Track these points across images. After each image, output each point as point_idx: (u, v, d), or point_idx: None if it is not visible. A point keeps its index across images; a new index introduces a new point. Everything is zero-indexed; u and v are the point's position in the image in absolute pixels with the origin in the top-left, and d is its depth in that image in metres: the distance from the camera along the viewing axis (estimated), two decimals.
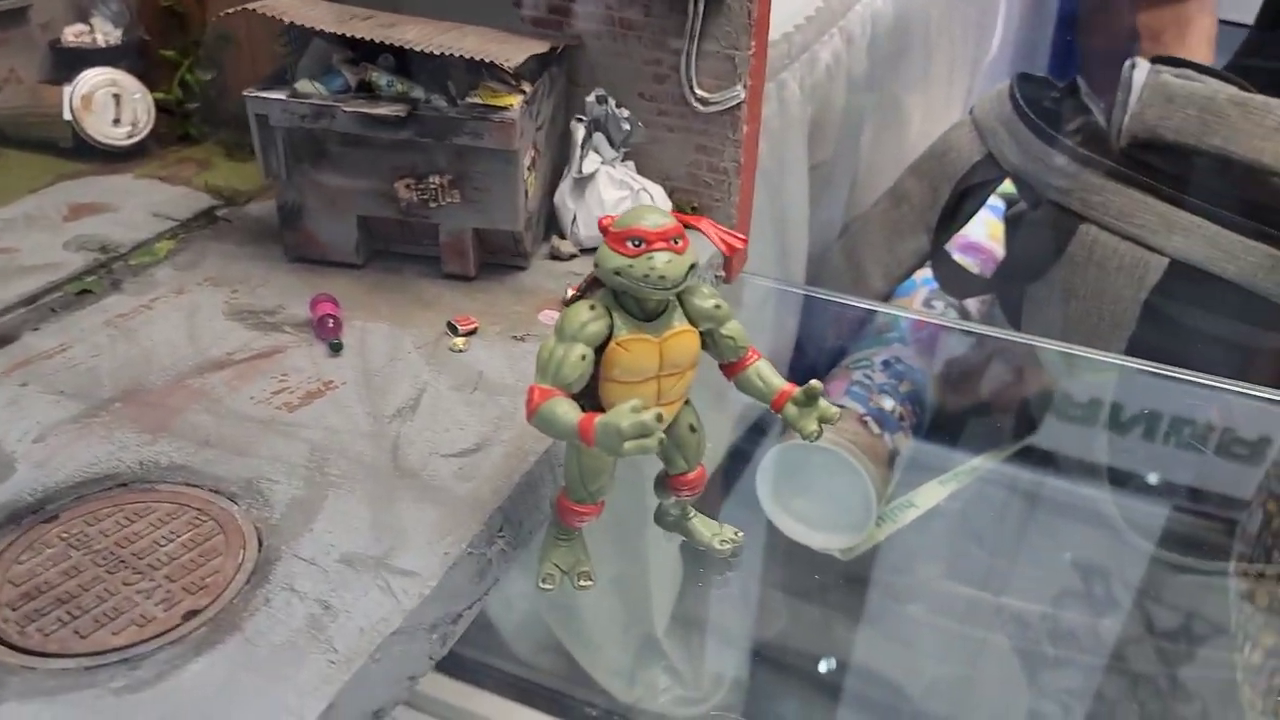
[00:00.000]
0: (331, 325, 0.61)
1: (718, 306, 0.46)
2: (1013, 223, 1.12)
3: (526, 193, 0.66)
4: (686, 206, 0.75)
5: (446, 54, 0.60)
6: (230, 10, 0.63)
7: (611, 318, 0.44)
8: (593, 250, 0.72)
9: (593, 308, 0.44)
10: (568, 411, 0.42)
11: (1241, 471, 0.87)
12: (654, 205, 0.45)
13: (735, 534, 0.54)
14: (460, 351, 0.61)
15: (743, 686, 0.75)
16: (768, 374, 0.48)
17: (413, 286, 0.67)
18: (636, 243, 0.42)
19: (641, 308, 0.44)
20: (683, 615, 0.76)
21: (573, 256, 0.72)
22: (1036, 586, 0.81)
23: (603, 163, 0.71)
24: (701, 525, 0.54)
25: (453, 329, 0.62)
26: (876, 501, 0.82)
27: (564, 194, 0.72)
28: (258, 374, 0.58)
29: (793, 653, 0.77)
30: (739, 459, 0.86)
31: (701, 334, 0.46)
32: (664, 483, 0.51)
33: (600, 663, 0.75)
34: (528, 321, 0.65)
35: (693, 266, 0.43)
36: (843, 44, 1.07)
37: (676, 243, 0.43)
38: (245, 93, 0.63)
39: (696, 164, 0.74)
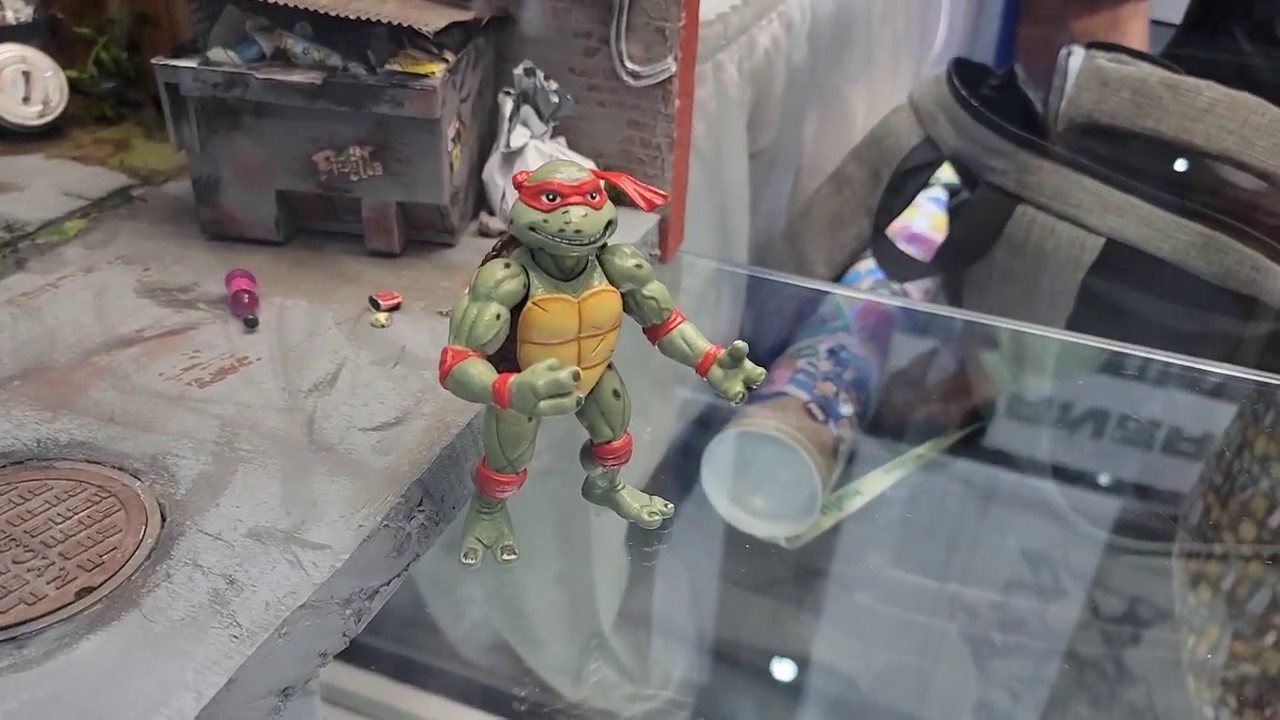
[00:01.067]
0: (247, 300, 0.58)
1: (639, 266, 0.44)
2: (956, 212, 1.13)
3: (451, 166, 0.64)
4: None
5: (363, 19, 0.58)
6: None
7: (528, 276, 0.42)
8: None
9: (508, 265, 0.42)
10: (482, 372, 0.41)
11: (1186, 467, 0.88)
12: (571, 159, 0.43)
13: (664, 505, 0.53)
14: (383, 327, 0.59)
15: (692, 679, 0.74)
16: (692, 336, 0.46)
17: (335, 263, 0.65)
18: (551, 197, 0.41)
19: (559, 266, 0.43)
20: (630, 610, 0.75)
21: (502, 233, 0.70)
22: (984, 574, 0.81)
23: (532, 137, 0.69)
24: (629, 497, 0.53)
25: (374, 304, 0.60)
26: (822, 489, 0.81)
27: (493, 169, 0.70)
28: (168, 350, 0.56)
29: (742, 644, 0.76)
30: (683, 452, 0.85)
31: (623, 296, 0.45)
32: (590, 453, 0.49)
33: (547, 661, 0.74)
34: (454, 297, 0.63)
35: (611, 223, 0.42)
36: (782, 29, 1.07)
37: (593, 197, 0.41)
38: (154, 61, 0.61)
39: (629, 140, 0.73)
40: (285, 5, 0.58)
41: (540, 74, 0.68)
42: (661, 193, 0.44)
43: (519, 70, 0.68)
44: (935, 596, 0.79)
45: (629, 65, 0.70)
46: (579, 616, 0.75)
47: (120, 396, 0.52)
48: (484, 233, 0.70)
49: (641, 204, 0.44)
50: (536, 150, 0.70)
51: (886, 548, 0.86)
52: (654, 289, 0.45)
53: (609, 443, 0.48)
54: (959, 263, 1.03)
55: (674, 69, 0.69)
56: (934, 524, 0.87)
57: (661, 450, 0.84)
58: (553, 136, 0.72)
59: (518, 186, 0.42)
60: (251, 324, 0.58)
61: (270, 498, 0.46)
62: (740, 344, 0.45)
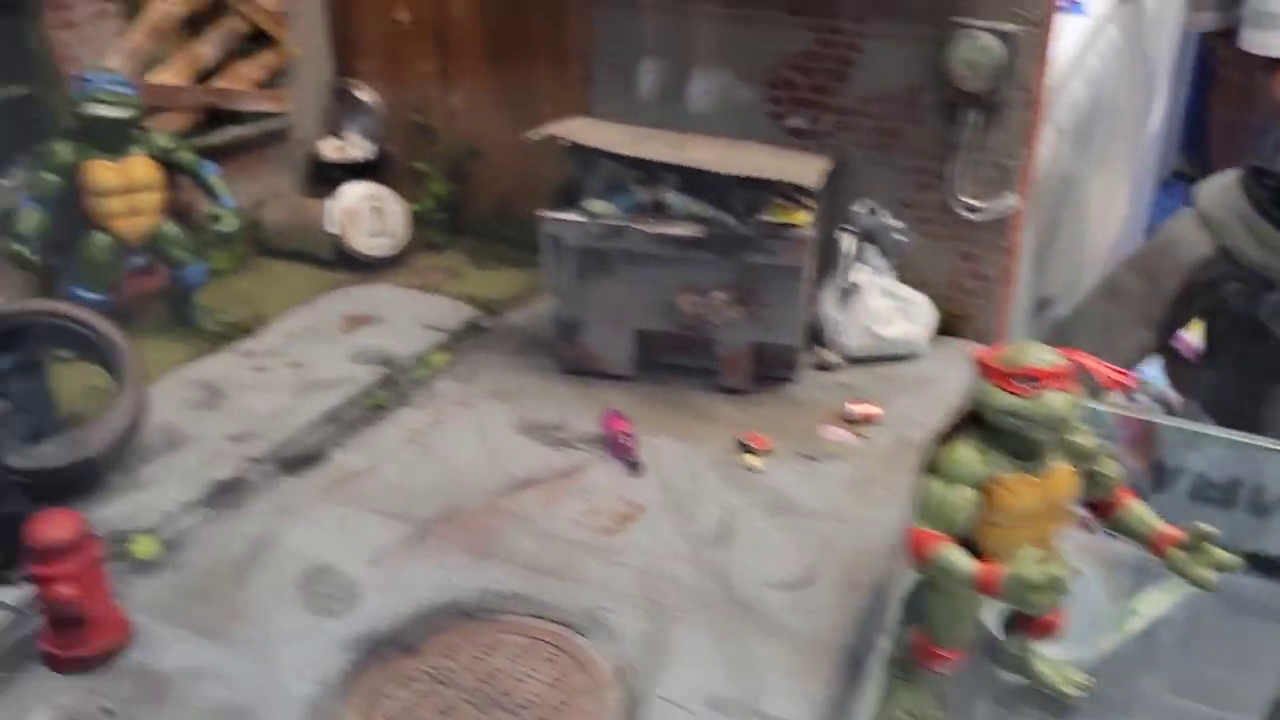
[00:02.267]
0: (628, 445, 0.61)
1: (1100, 445, 0.44)
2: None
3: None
4: (948, 315, 0.74)
5: (743, 176, 0.61)
6: (531, 135, 0.65)
7: (991, 457, 0.42)
8: (859, 360, 0.71)
9: (976, 449, 0.42)
10: (962, 559, 0.41)
11: None
12: (1034, 342, 0.44)
13: (1085, 678, 0.52)
14: (758, 472, 0.60)
15: None
16: (1146, 514, 0.46)
17: (688, 400, 0.67)
18: (1028, 381, 0.41)
19: (1025, 447, 0.43)
20: None
21: (838, 366, 0.71)
22: (1259, 700, 0.76)
23: (871, 273, 0.70)
24: (1047, 667, 0.51)
25: (746, 448, 0.62)
26: (1107, 606, 0.78)
27: (829, 305, 0.71)
28: (564, 494, 0.58)
29: None
30: None
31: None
32: (1018, 624, 0.49)
33: None
34: (811, 437, 0.64)
35: (1079, 405, 0.42)
36: (1054, 136, 1.05)
37: (1068, 382, 0.41)
38: (539, 213, 0.64)
39: (959, 271, 0.73)
40: (674, 165, 0.61)
41: (883, 213, 0.69)
42: (1131, 375, 0.43)
43: (862, 209, 0.69)
44: None
45: (966, 200, 0.70)
46: None
47: (535, 542, 0.54)
48: (821, 366, 0.71)
49: (1109, 385, 0.43)
50: (873, 284, 0.70)
51: (1160, 669, 0.81)
52: (1109, 465, 0.45)
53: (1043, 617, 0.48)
54: (1271, 380, 0.98)
55: (1017, 205, 0.69)
56: (1210, 645, 0.82)
57: None
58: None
59: (983, 366, 0.42)
60: (636, 468, 0.60)
61: (712, 661, 0.47)
62: (1207, 528, 0.44)
